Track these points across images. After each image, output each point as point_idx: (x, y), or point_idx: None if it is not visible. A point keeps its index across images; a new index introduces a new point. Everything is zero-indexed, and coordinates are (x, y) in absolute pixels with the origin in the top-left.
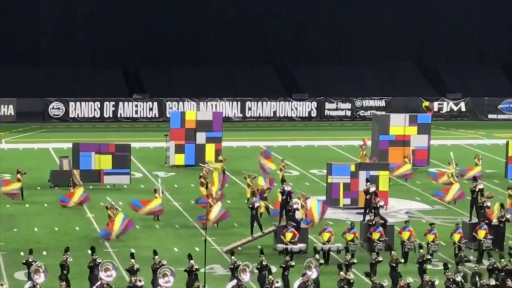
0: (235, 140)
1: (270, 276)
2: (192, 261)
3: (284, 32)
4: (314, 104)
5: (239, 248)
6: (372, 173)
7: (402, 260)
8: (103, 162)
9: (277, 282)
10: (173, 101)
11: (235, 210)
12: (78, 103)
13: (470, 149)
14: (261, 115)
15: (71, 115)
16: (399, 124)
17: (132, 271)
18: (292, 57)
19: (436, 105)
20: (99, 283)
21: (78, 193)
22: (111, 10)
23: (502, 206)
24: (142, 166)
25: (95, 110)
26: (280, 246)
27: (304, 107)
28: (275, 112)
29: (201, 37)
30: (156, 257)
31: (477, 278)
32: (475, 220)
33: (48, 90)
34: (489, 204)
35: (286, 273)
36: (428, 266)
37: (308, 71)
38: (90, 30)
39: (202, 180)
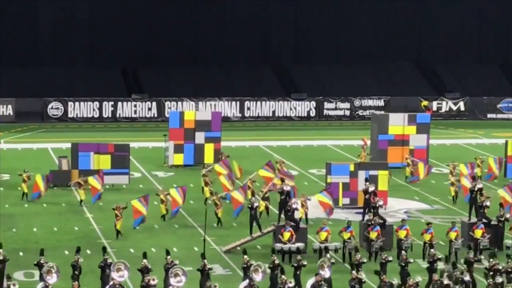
0: (234, 140)
1: (283, 276)
2: (205, 260)
3: (283, 32)
4: (313, 103)
5: (238, 248)
6: (371, 172)
7: (411, 260)
8: (102, 162)
9: (290, 282)
10: (172, 101)
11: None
12: (77, 103)
13: (469, 149)
14: (260, 115)
15: (70, 115)
16: (398, 123)
17: (145, 271)
18: (291, 57)
19: (435, 105)
20: (111, 283)
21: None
22: (110, 10)
23: (501, 205)
24: (141, 166)
25: (94, 110)
26: (279, 246)
27: (303, 107)
28: (274, 112)
29: (200, 37)
30: (169, 257)
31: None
32: (474, 219)
33: (47, 90)
34: (488, 203)
35: (298, 272)
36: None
37: (307, 71)
38: (89, 30)
39: (205, 179)
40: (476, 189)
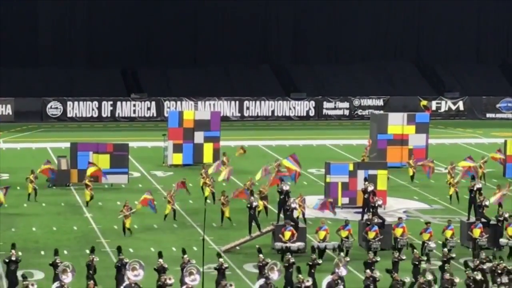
0: (233, 140)
1: (300, 275)
2: (221, 259)
3: (282, 32)
4: (312, 103)
5: (237, 247)
6: (370, 172)
7: (425, 258)
8: (101, 161)
9: (307, 281)
10: (171, 100)
11: (233, 210)
12: (76, 103)
13: (468, 148)
14: (259, 115)
15: (69, 115)
16: (397, 123)
17: (161, 270)
18: (290, 57)
19: (434, 104)
20: (127, 282)
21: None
22: (109, 10)
23: (500, 205)
24: (140, 165)
25: (93, 109)
26: (279, 245)
27: (302, 107)
28: (273, 112)
29: (199, 37)
30: (185, 256)
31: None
32: (473, 219)
33: (46, 89)
34: (487, 203)
35: (312, 271)
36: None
37: (306, 70)
38: (88, 29)
39: (204, 180)
40: (475, 188)
